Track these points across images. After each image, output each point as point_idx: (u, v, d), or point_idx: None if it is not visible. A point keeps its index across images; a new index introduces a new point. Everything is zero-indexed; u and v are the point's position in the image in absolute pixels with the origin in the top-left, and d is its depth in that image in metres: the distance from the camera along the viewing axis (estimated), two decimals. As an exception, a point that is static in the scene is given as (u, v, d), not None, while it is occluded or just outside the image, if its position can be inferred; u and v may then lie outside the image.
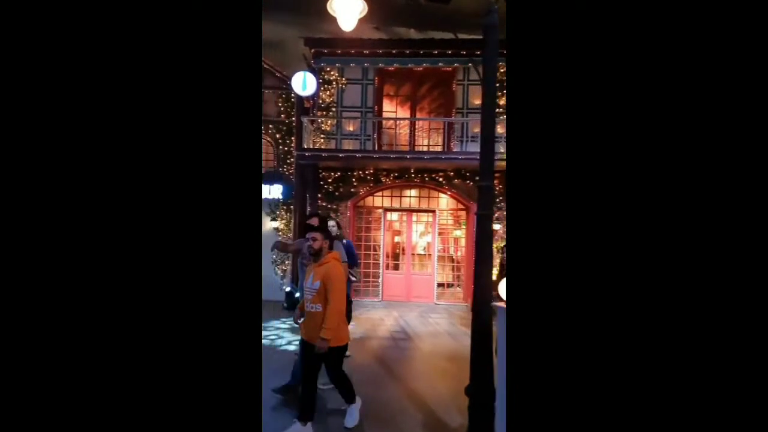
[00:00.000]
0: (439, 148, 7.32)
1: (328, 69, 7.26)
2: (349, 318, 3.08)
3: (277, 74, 7.88)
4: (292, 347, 4.37)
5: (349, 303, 3.25)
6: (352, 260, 3.69)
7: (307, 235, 2.39)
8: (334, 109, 7.27)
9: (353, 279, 3.74)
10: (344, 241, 3.65)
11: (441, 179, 7.05)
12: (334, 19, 3.48)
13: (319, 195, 7.10)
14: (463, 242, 7.45)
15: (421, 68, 7.35)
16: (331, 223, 3.46)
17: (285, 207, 7.66)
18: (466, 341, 4.66)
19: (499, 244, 6.98)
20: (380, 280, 7.30)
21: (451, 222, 7.53)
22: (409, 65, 7.27)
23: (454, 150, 7.06)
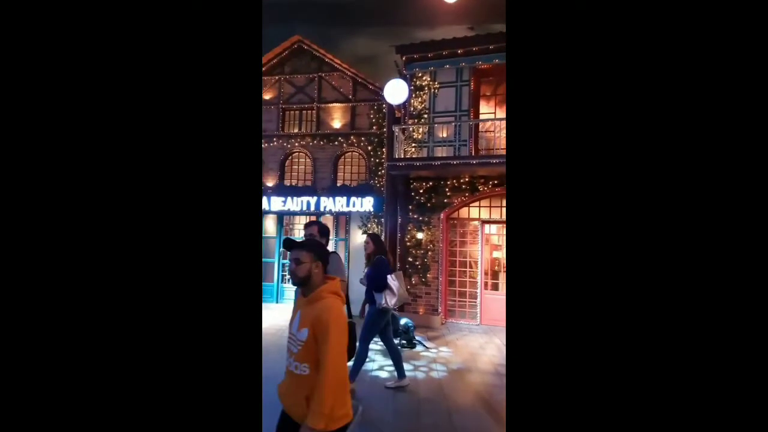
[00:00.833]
0: (546, 151, 6.37)
1: (420, 75, 6.94)
2: (350, 353, 1.87)
3: (369, 86, 7.87)
4: (384, 374, 3.98)
5: (351, 326, 1.95)
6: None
7: (290, 255, 1.52)
8: (426, 116, 6.90)
9: None
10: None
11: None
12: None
13: (410, 206, 6.74)
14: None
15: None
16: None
17: (376, 220, 7.49)
18: None
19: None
20: (478, 300, 6.57)
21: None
22: (496, 60, 6.51)
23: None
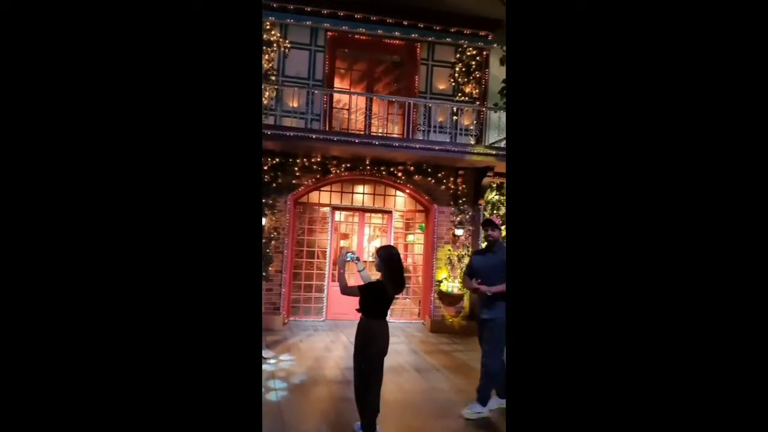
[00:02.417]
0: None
1: (268, 27, 5.76)
2: None
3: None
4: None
5: None
6: None
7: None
8: (273, 78, 5.80)
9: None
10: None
11: (400, 174, 6.00)
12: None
13: (250, 186, 5.58)
14: (417, 248, 6.50)
15: (378, 39, 6.17)
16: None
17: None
18: (441, 381, 3.64)
19: (460, 252, 6.14)
20: (324, 294, 6.03)
21: (401, 225, 6.54)
22: (361, 29, 6.00)
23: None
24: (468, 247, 6.18)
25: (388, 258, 2.46)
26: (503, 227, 4.43)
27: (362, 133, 6.02)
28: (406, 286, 6.27)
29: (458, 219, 6.17)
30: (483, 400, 2.99)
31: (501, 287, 2.82)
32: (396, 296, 2.57)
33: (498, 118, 6.37)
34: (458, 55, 6.35)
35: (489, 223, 3.21)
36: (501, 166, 5.87)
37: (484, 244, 7.01)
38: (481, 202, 6.32)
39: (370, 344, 2.38)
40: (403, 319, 6.25)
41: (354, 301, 2.49)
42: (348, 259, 2.48)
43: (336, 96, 6.28)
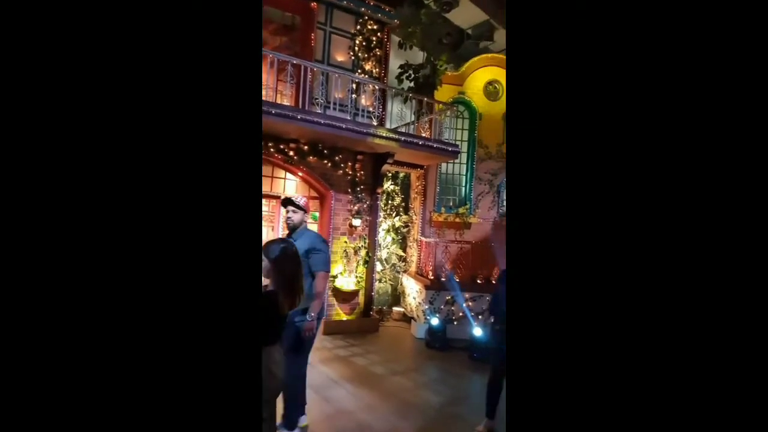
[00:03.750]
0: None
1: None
2: None
3: None
4: None
5: None
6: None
7: None
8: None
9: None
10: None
11: (292, 153, 5.12)
12: None
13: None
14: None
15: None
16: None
17: None
18: (344, 400, 3.10)
19: (357, 243, 5.64)
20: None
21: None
22: None
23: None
24: (365, 238, 5.72)
25: (281, 257, 1.74)
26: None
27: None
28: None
29: (356, 208, 5.64)
30: (289, 424, 2.45)
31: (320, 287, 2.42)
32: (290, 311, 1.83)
33: (400, 110, 6.03)
34: (359, 27, 5.75)
35: (289, 202, 2.49)
36: (402, 154, 5.55)
37: (388, 236, 6.72)
38: (380, 190, 5.92)
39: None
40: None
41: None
42: None
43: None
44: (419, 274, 6.12)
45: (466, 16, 9.58)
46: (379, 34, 5.87)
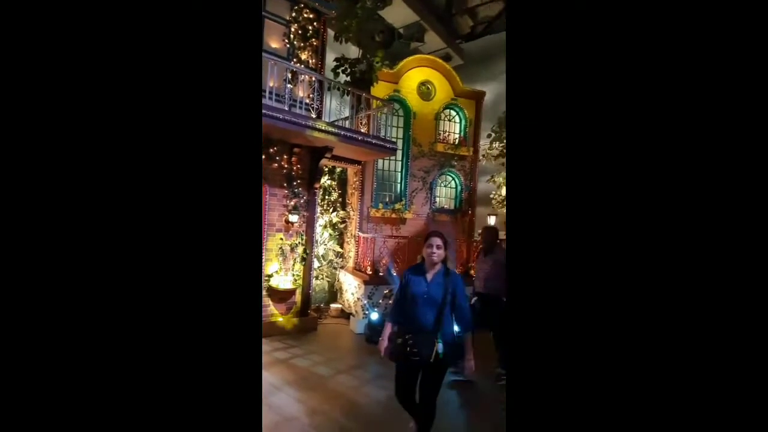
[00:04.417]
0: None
1: None
2: None
3: None
4: None
5: None
6: None
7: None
8: None
9: None
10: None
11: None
12: None
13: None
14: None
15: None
16: None
17: None
18: (288, 406, 3.08)
19: (293, 240, 5.43)
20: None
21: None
22: None
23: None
24: (302, 235, 5.51)
25: None
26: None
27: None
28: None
29: (292, 203, 5.40)
30: None
31: None
32: None
33: (339, 104, 5.90)
34: (294, 14, 5.48)
35: None
36: (340, 149, 5.46)
37: (324, 232, 6.50)
38: (317, 185, 5.75)
39: None
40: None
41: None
42: None
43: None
44: (357, 270, 6.11)
45: (398, 15, 9.76)
46: (315, 23, 5.66)
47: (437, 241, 2.25)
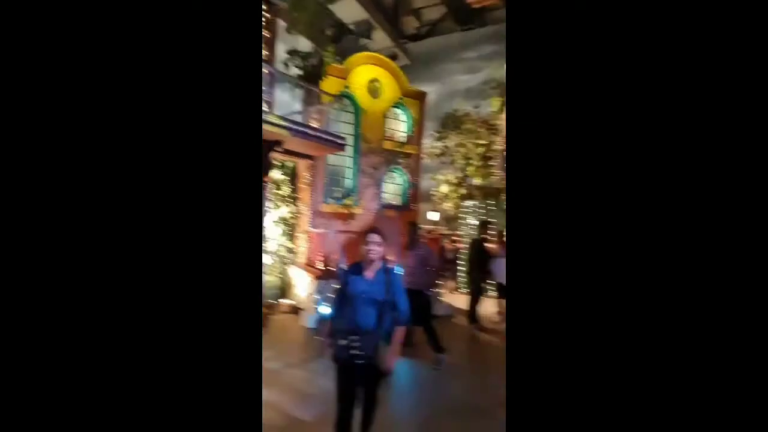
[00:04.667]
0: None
1: None
2: None
3: None
4: None
5: None
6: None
7: None
8: None
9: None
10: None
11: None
12: None
13: None
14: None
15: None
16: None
17: None
18: None
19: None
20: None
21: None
22: None
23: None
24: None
25: None
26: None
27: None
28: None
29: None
30: None
31: None
32: None
33: (291, 97, 5.83)
34: (243, 2, 5.31)
35: None
36: (290, 143, 5.42)
37: (276, 227, 6.34)
38: (267, 179, 5.65)
39: None
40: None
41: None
42: None
43: None
44: (308, 265, 6.14)
45: (348, 11, 9.78)
46: (268, 15, 5.53)
47: (375, 237, 2.12)
